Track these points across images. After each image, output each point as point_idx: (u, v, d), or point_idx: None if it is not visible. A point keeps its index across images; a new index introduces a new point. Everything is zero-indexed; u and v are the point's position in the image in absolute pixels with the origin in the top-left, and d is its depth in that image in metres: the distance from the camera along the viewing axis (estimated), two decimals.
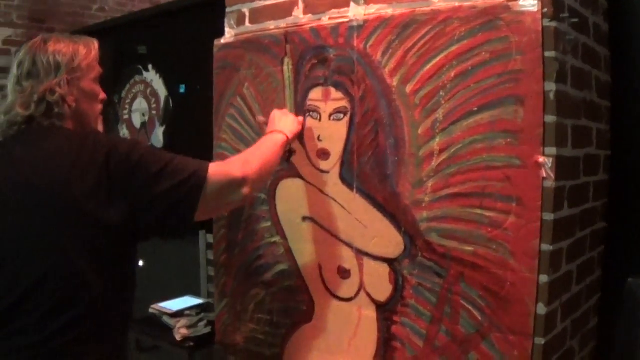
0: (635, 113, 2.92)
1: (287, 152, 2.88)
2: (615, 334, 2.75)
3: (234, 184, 2.36)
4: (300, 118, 2.88)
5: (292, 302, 3.05)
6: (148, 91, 5.63)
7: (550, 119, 2.24)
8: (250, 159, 2.48)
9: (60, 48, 2.34)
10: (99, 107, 2.52)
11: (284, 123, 2.77)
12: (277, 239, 3.08)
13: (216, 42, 3.31)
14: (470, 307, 2.43)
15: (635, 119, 2.93)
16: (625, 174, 2.92)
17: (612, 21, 2.83)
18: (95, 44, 2.53)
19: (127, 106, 5.89)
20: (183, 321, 4.03)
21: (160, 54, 5.61)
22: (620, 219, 2.94)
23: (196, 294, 4.67)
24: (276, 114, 2.83)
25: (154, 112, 5.57)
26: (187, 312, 4.17)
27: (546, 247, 2.27)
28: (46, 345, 2.09)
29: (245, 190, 2.39)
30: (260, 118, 3.00)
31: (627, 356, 2.67)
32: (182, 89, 5.36)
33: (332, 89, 2.81)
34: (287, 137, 2.71)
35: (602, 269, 2.91)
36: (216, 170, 2.32)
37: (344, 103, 2.77)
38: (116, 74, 6.11)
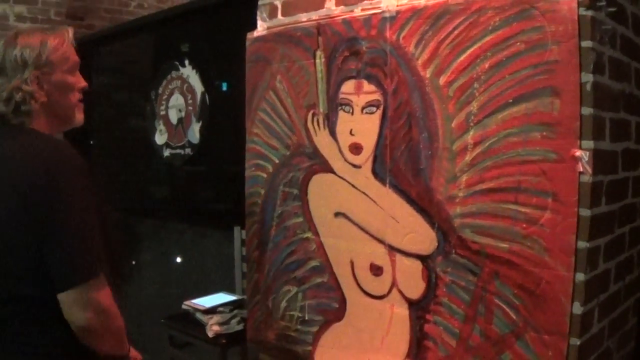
0: None
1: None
2: None
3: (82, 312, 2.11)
4: None
5: (324, 299, 3.01)
6: (184, 87, 5.62)
7: (587, 111, 2.17)
8: (118, 331, 2.26)
9: (29, 42, 2.29)
10: (76, 96, 2.44)
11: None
12: (309, 234, 3.04)
13: (248, 36, 3.28)
14: (504, 306, 2.37)
15: None
16: None
17: None
18: (68, 33, 2.42)
19: (163, 102, 5.88)
20: (216, 318, 4.00)
21: (197, 50, 5.60)
22: None
23: (231, 290, 4.65)
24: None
25: (190, 108, 5.55)
26: (219, 309, 4.13)
27: (583, 244, 2.20)
28: None
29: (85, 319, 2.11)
30: None
31: None
32: (225, 87, 5.35)
33: (365, 82, 2.77)
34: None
35: None
36: (95, 289, 2.12)
37: (377, 96, 2.72)
38: (154, 70, 6.12)
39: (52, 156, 2.13)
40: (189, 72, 5.59)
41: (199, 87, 5.46)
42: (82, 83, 2.47)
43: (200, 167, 5.53)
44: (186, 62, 5.61)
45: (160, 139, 5.90)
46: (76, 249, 2.09)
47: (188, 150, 5.57)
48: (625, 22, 2.45)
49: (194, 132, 5.50)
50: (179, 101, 5.68)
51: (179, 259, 5.86)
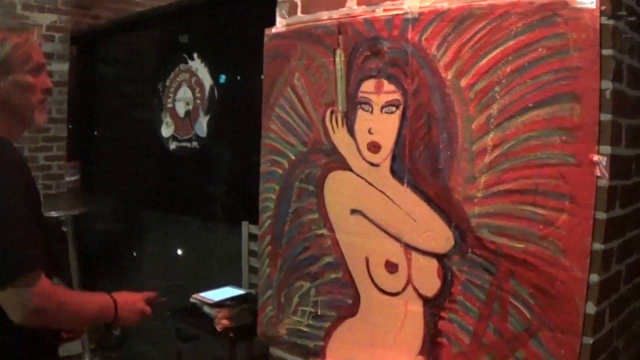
0: None
1: (107, 326, 2.55)
2: None
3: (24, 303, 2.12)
4: (148, 309, 2.62)
5: (338, 295, 3.05)
6: (193, 80, 5.65)
7: (606, 117, 2.22)
8: (65, 301, 2.27)
9: None
10: (37, 97, 2.39)
11: (129, 308, 2.54)
12: (324, 231, 3.08)
13: (267, 32, 3.32)
14: (519, 305, 2.42)
15: None
16: None
17: None
18: (34, 33, 2.42)
19: (170, 95, 5.91)
20: (224, 312, 4.03)
21: (205, 43, 5.63)
22: None
23: (237, 284, 4.68)
24: (130, 297, 2.60)
25: (198, 102, 5.58)
26: (228, 303, 4.16)
27: (598, 246, 2.25)
28: None
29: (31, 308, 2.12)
30: None
31: None
32: (233, 81, 5.39)
33: (385, 82, 2.81)
34: (115, 316, 2.47)
35: None
36: (39, 286, 2.12)
37: (397, 96, 2.77)
38: (160, 62, 6.15)
39: None
40: (197, 66, 5.63)
41: (207, 81, 5.50)
42: (46, 84, 2.44)
43: (208, 161, 5.56)
44: (195, 55, 5.64)
45: (166, 131, 5.94)
46: (4, 246, 2.08)
47: (195, 144, 5.61)
48: None
49: (202, 126, 5.53)
50: (187, 94, 5.72)
51: (184, 252, 5.89)
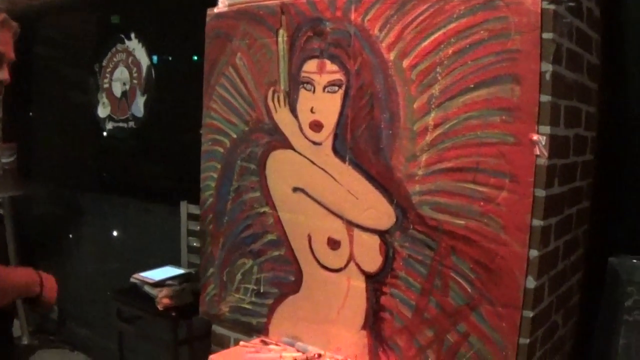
0: (621, 96, 2.98)
1: (32, 300, 2.47)
2: (597, 311, 2.82)
3: None
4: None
5: (280, 273, 3.09)
6: (130, 60, 5.61)
7: (546, 98, 2.29)
8: None
9: None
10: None
11: (51, 285, 2.49)
12: (266, 209, 3.11)
13: (209, 12, 3.32)
14: (460, 280, 2.48)
15: (620, 103, 2.99)
16: (610, 155, 2.98)
17: (603, 7, 2.88)
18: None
19: (107, 75, 5.86)
20: (165, 291, 4.04)
21: (143, 23, 5.59)
22: (603, 199, 3.00)
23: (176, 264, 4.68)
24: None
25: (135, 82, 5.55)
26: (169, 282, 4.18)
27: (537, 222, 2.32)
28: None
29: None
30: None
31: (608, 332, 2.75)
32: (160, 59, 5.37)
33: (328, 62, 2.84)
34: (41, 291, 2.42)
35: (585, 247, 2.97)
36: None
37: (339, 76, 2.80)
38: (97, 42, 6.08)
39: None
40: (134, 46, 5.59)
41: (144, 61, 5.47)
42: (4, 78, 2.37)
43: (145, 141, 5.53)
44: (132, 35, 5.60)
45: (103, 112, 5.90)
46: None
47: (132, 124, 5.58)
48: (581, 16, 2.58)
49: (139, 106, 5.51)
50: (124, 74, 5.68)
51: (122, 234, 5.86)
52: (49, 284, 2.45)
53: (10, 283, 2.31)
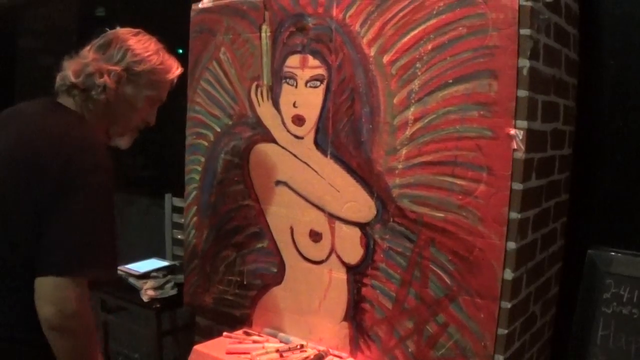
0: (598, 91, 3.02)
1: None
2: (575, 303, 2.86)
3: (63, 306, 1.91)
4: None
5: (263, 264, 3.13)
6: None
7: (523, 93, 2.33)
8: (92, 332, 2.06)
9: (139, 47, 2.30)
10: (136, 123, 2.43)
11: None
12: (249, 201, 3.15)
13: (194, 7, 3.35)
14: (439, 271, 2.53)
15: (598, 98, 3.03)
16: (588, 149, 3.03)
17: (581, 3, 2.91)
18: (176, 70, 2.48)
19: None
20: (150, 283, 4.05)
21: (127, 15, 5.59)
22: (581, 192, 3.05)
23: (161, 256, 4.70)
24: None
25: None
26: (153, 274, 4.19)
27: (514, 215, 2.37)
28: None
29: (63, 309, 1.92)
30: None
31: (587, 323, 2.79)
32: None
33: (310, 57, 2.88)
34: None
35: (563, 239, 3.02)
36: (72, 289, 1.92)
37: (321, 71, 2.84)
38: (82, 35, 6.08)
39: (82, 147, 2.05)
40: None
41: None
42: (151, 120, 2.46)
43: None
44: (117, 27, 5.58)
45: None
46: (73, 240, 1.94)
47: None
48: (559, 13, 2.61)
49: None
50: None
51: None
52: None
53: (85, 348, 2.05)
